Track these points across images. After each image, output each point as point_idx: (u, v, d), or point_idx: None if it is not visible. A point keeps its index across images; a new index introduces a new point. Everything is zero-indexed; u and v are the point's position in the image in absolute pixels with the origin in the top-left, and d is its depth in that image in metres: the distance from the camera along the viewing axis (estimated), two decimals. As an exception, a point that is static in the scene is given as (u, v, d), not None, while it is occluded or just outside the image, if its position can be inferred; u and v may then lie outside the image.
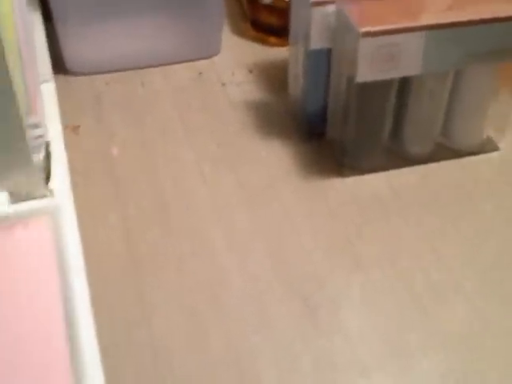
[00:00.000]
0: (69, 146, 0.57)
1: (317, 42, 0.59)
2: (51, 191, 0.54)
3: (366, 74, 0.55)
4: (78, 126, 0.66)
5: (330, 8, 0.58)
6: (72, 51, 0.72)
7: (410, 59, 0.56)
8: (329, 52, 0.60)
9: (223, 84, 0.72)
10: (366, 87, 0.57)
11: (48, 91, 0.63)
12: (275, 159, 0.63)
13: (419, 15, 0.57)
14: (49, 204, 0.53)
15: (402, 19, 0.55)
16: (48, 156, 0.55)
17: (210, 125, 0.67)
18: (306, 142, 0.65)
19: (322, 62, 0.61)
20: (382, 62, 0.55)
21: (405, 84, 0.59)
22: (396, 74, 0.56)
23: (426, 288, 0.52)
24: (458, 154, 0.64)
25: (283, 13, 0.67)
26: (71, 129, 0.65)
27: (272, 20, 0.77)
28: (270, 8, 0.77)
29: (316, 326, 0.49)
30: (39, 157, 0.54)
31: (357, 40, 0.54)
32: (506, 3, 0.59)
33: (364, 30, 0.54)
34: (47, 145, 0.56)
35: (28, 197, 0.52)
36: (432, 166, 0.63)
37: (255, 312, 0.50)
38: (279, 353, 0.47)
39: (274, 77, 0.73)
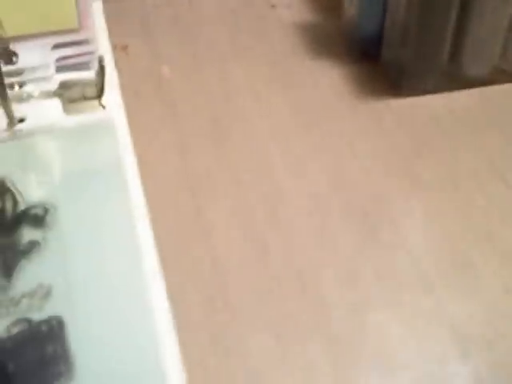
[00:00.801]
0: (119, 65, 0.56)
1: (376, -44, 0.57)
2: (104, 106, 0.53)
3: (428, -13, 0.53)
4: (127, 46, 0.64)
5: None
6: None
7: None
8: (388, -33, 0.58)
9: (273, 6, 0.70)
10: (428, 2, 0.54)
11: (97, 9, 0.62)
12: (327, 80, 0.62)
13: None
14: (102, 117, 0.52)
15: None
16: (102, 71, 0.54)
17: (260, 46, 0.65)
18: (358, 63, 0.64)
19: (381, -23, 0.59)
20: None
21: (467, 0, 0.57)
22: (460, -13, 0.54)
23: (487, 205, 0.51)
24: (516, 77, 0.62)
25: None
26: (120, 48, 0.64)
27: None
28: None
29: (377, 242, 0.48)
30: (92, 72, 0.53)
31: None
32: None
33: None
34: (100, 60, 0.55)
35: (82, 110, 0.52)
36: (490, 89, 0.61)
37: (314, 227, 0.49)
38: (340, 267, 0.47)
39: (325, -2, 0.71)
